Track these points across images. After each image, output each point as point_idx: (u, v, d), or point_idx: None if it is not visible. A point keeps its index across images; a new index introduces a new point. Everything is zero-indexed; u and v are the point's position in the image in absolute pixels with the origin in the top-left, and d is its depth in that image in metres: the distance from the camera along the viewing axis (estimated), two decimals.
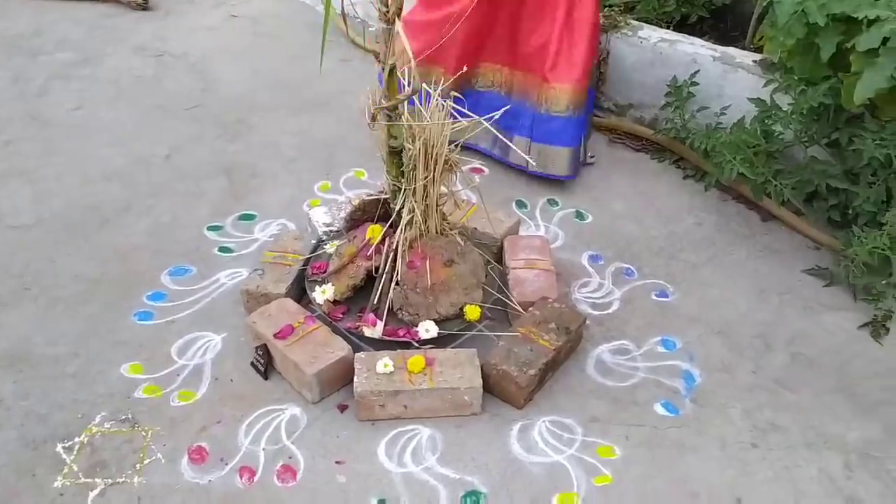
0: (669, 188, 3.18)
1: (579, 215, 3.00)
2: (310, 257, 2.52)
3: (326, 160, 3.32)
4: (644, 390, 2.24)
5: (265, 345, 2.22)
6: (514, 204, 3.04)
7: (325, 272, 2.43)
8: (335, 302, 2.35)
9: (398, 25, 1.90)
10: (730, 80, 3.10)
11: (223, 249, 2.75)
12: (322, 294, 2.34)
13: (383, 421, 2.11)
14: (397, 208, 2.28)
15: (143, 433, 2.06)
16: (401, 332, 2.26)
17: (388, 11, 1.93)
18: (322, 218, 2.66)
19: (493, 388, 2.17)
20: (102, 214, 2.91)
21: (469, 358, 2.16)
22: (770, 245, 2.86)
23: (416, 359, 2.12)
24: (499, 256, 2.62)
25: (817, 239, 2.84)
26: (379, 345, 2.24)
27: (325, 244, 2.56)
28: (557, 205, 3.06)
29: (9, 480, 1.93)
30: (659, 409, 2.19)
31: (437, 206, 2.31)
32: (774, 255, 2.81)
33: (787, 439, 2.10)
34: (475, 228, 2.63)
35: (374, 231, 2.37)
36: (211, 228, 2.85)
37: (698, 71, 3.16)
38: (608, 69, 3.48)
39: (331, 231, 2.62)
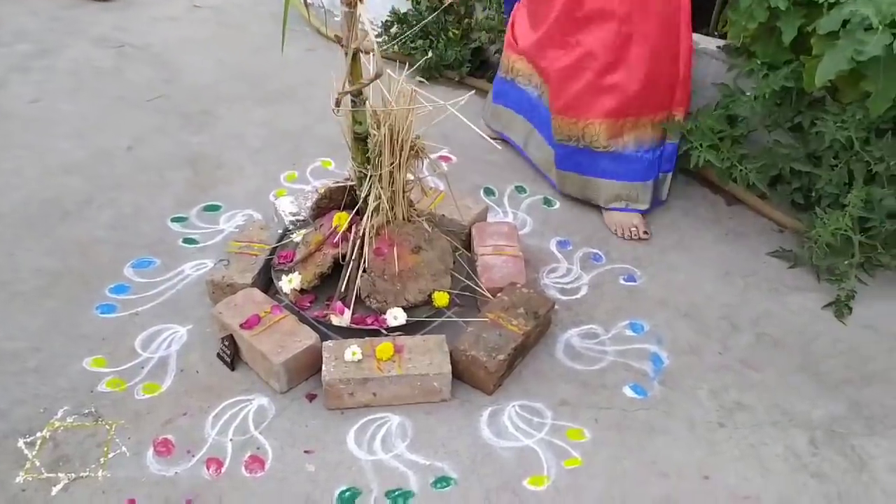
0: None
1: (547, 202, 3.01)
2: (276, 246, 2.50)
3: (293, 150, 3.28)
4: (613, 373, 2.25)
5: (231, 335, 2.19)
6: (482, 191, 3.04)
7: (291, 261, 2.41)
8: (302, 291, 2.33)
9: (360, 8, 1.88)
10: (694, 66, 3.12)
11: (188, 241, 2.70)
12: (289, 283, 2.31)
13: (352, 409, 2.09)
14: (363, 195, 2.26)
15: (107, 427, 2.02)
16: (369, 320, 2.24)
17: None
18: (288, 207, 2.63)
19: (462, 374, 2.16)
20: (63, 207, 2.85)
21: (438, 344, 2.15)
22: (735, 229, 2.89)
23: (384, 346, 2.11)
24: (467, 243, 2.61)
25: (781, 222, 2.88)
26: (347, 333, 2.22)
27: (292, 233, 2.54)
28: (525, 192, 3.06)
29: None
30: (628, 391, 2.20)
31: (404, 192, 2.30)
32: (740, 239, 2.84)
33: (753, 418, 2.12)
34: (443, 215, 2.62)
35: (341, 219, 2.34)
36: (175, 220, 2.81)
37: None
38: None
39: (297, 220, 2.60)
